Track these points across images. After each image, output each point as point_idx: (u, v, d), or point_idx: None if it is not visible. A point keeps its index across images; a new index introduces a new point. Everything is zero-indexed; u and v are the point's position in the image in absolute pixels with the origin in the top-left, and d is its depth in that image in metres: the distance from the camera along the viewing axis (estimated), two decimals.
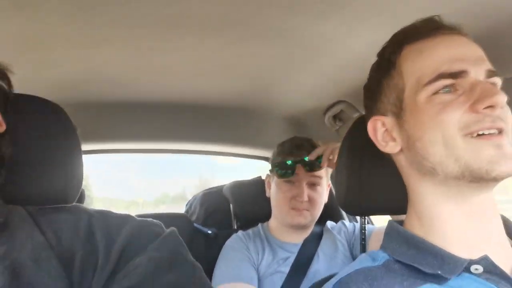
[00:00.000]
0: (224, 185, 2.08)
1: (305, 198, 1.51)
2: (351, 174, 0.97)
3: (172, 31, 1.09)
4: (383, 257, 0.75)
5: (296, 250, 1.57)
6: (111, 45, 1.17)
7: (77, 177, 0.78)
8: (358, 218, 1.98)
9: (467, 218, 0.70)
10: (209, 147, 2.17)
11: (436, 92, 0.68)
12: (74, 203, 0.73)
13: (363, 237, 1.17)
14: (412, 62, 0.72)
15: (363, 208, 1.03)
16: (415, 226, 0.76)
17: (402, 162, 0.77)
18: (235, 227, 1.99)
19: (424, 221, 0.74)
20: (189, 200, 2.18)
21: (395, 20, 0.99)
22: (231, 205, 2.02)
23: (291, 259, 1.56)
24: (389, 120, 0.77)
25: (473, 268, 0.67)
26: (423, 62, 0.71)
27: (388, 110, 0.77)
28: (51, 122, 0.77)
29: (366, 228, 1.44)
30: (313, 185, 1.55)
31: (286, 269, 1.54)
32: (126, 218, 0.67)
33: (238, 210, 1.98)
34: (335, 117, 1.78)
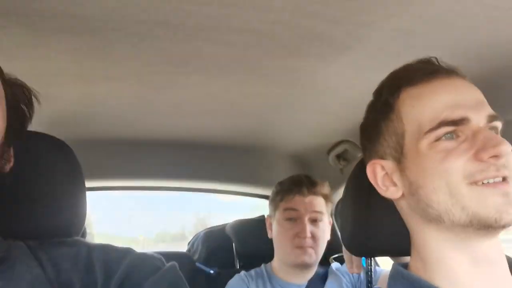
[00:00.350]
0: (227, 223, 2.07)
1: (308, 234, 1.50)
2: (356, 215, 0.96)
3: (179, 70, 1.11)
4: None
5: None
6: (118, 81, 1.19)
7: (81, 214, 0.78)
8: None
9: (474, 264, 0.68)
10: (213, 185, 2.16)
11: (438, 139, 0.68)
12: (74, 238, 0.72)
13: (369, 279, 1.15)
14: (412, 107, 0.71)
15: (368, 249, 1.01)
16: (420, 269, 0.74)
17: (405, 208, 0.75)
18: (238, 267, 1.97)
19: (429, 266, 0.72)
20: (191, 239, 2.16)
21: (400, 60, 1.02)
22: (233, 244, 1.99)
23: None
24: (389, 164, 0.75)
25: None
26: (422, 108, 0.70)
27: (388, 153, 0.75)
28: (57, 160, 0.78)
29: (376, 270, 1.42)
30: (314, 221, 1.54)
31: None
32: (126, 251, 0.66)
33: (241, 249, 1.96)
34: (339, 156, 1.78)
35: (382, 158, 0.76)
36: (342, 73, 1.11)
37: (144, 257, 0.66)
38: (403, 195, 0.74)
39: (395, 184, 0.74)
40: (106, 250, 0.66)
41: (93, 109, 1.42)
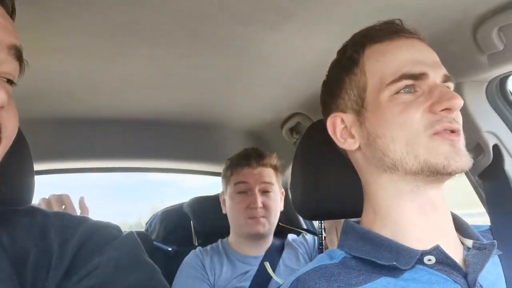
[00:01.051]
0: (184, 202, 2.06)
1: (260, 204, 1.53)
2: (306, 179, 0.99)
3: (125, 41, 1.09)
4: (340, 254, 0.76)
5: (257, 263, 1.57)
6: (62, 55, 1.15)
7: (29, 183, 0.78)
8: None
9: (421, 212, 0.73)
10: (165, 164, 2.14)
11: (397, 92, 0.72)
12: (28, 206, 0.71)
13: (320, 241, 1.18)
14: (376, 62, 0.75)
15: (319, 212, 1.04)
16: (371, 222, 0.78)
17: (360, 159, 0.80)
18: (196, 244, 1.97)
19: (380, 215, 0.76)
20: (149, 219, 2.14)
21: (345, 28, 1.03)
22: (191, 222, 1.99)
23: (252, 272, 1.55)
24: (349, 117, 0.79)
25: (426, 259, 0.69)
26: (386, 62, 0.74)
27: (349, 107, 0.79)
28: None
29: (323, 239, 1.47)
30: (265, 192, 1.57)
31: (246, 283, 1.53)
32: (82, 218, 0.65)
33: (199, 226, 1.96)
34: (292, 130, 1.81)
35: (342, 111, 0.80)
36: (290, 41, 1.12)
37: (101, 224, 0.65)
38: (359, 147, 0.78)
39: (353, 137, 0.79)
40: (62, 216, 0.65)
41: (36, 85, 1.37)
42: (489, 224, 0.87)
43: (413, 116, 0.70)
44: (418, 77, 0.72)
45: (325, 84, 0.87)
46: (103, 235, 0.62)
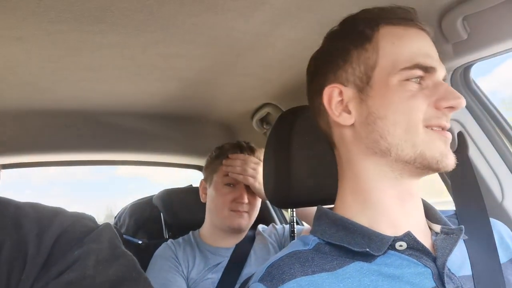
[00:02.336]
0: (153, 195, 2.04)
1: (246, 200, 1.53)
2: (278, 167, 0.99)
3: (92, 28, 1.06)
4: (313, 240, 0.77)
5: (228, 255, 1.57)
6: (26, 42, 1.11)
7: None
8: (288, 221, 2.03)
9: (398, 199, 0.74)
10: (136, 157, 2.11)
11: (407, 79, 0.72)
12: None
13: (292, 229, 1.19)
14: (392, 44, 0.74)
15: (291, 201, 1.05)
16: (346, 206, 0.78)
17: (349, 136, 0.78)
18: (167, 237, 1.96)
19: (357, 198, 0.77)
20: (118, 212, 2.11)
21: (316, 18, 1.04)
22: (161, 215, 1.98)
23: (223, 264, 1.55)
24: (349, 91, 0.77)
25: (397, 245, 0.71)
26: (401, 48, 0.74)
27: (351, 81, 0.76)
28: None
29: (295, 228, 1.48)
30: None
31: (217, 275, 1.53)
32: (58, 209, 0.63)
33: (170, 218, 1.95)
34: (262, 120, 1.82)
35: (342, 84, 0.77)
36: (260, 30, 1.12)
37: (77, 215, 0.63)
38: (353, 124, 0.76)
39: (349, 112, 0.77)
40: (36, 207, 0.63)
41: (0, 74, 1.32)
42: (455, 209, 0.90)
43: (420, 105, 0.71)
44: (428, 70, 0.73)
45: (323, 52, 0.83)
46: (80, 226, 0.60)
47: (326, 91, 0.78)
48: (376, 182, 0.75)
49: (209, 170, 1.63)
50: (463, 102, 0.72)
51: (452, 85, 1.14)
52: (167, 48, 1.21)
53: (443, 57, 1.07)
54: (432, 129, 0.71)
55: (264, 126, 1.82)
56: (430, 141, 0.71)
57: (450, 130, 1.09)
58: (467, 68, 1.13)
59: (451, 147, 1.09)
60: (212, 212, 1.60)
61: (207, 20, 1.05)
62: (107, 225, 0.63)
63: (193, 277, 1.52)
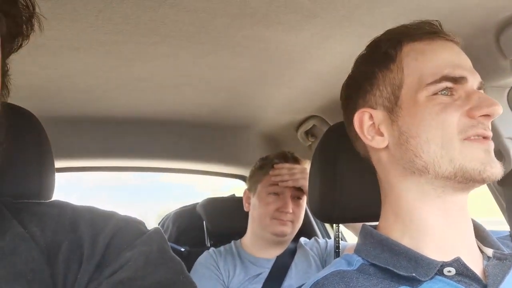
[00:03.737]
0: (197, 203, 2.07)
1: (290, 210, 1.52)
2: (324, 182, 0.98)
3: (146, 40, 1.09)
4: (358, 260, 0.75)
5: (269, 266, 1.57)
6: (83, 52, 1.16)
7: (50, 181, 0.79)
8: (331, 235, 2.00)
9: (444, 219, 0.72)
10: (182, 165, 2.15)
11: (435, 93, 0.70)
12: (55, 200, 0.72)
13: (337, 244, 1.17)
14: (416, 60, 0.73)
15: (336, 216, 1.03)
16: (390, 227, 0.76)
17: (385, 159, 0.77)
18: (209, 245, 1.97)
19: (401, 220, 0.75)
20: (161, 219, 2.15)
21: (365, 31, 1.03)
22: (204, 223, 2.00)
23: (264, 275, 1.55)
24: (379, 114, 0.76)
25: (445, 270, 0.68)
26: (425, 62, 0.72)
27: (379, 103, 0.76)
28: (25, 128, 0.78)
29: (340, 246, 1.46)
30: (297, 199, 1.56)
31: (257, 286, 1.53)
32: (111, 212, 0.66)
33: (212, 227, 1.97)
34: (307, 133, 1.81)
35: (371, 107, 0.77)
36: (309, 43, 1.12)
37: (129, 218, 0.66)
38: (387, 146, 0.75)
39: (381, 134, 0.76)
40: (91, 210, 0.66)
41: (57, 82, 1.38)
42: (509, 230, 0.86)
43: (452, 118, 0.69)
44: (457, 80, 0.71)
45: (352, 78, 0.84)
46: (132, 230, 0.62)
47: (356, 116, 0.78)
48: (418, 202, 0.73)
49: (253, 180, 1.64)
50: (498, 108, 0.68)
51: (509, 102, 1.10)
52: (217, 60, 1.23)
53: (500, 74, 1.03)
54: (469, 140, 0.68)
55: (309, 139, 1.81)
56: (468, 152, 0.68)
57: (505, 149, 1.07)
58: None
59: (507, 165, 1.05)
60: (255, 221, 1.60)
61: (257, 33, 1.06)
62: (157, 229, 0.65)
63: (233, 286, 1.52)
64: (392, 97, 0.74)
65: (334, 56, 1.19)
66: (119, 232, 0.61)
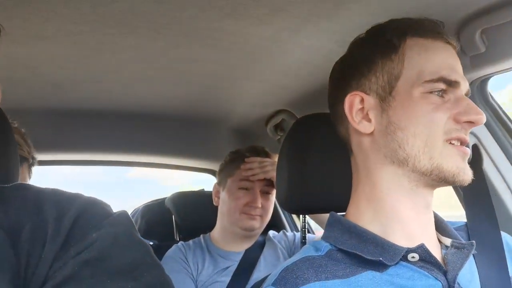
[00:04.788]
0: (166, 197, 2.06)
1: (259, 204, 1.54)
2: (292, 173, 1.00)
3: (114, 30, 1.08)
4: (325, 246, 0.77)
5: (238, 259, 1.58)
6: (50, 42, 1.14)
7: (14, 165, 0.78)
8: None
9: (413, 209, 0.75)
10: (151, 159, 2.13)
11: (430, 92, 0.73)
12: (18, 182, 0.71)
13: (303, 235, 1.19)
14: (418, 55, 0.75)
15: (303, 207, 1.05)
16: (359, 213, 0.79)
17: (367, 144, 0.79)
18: (177, 239, 1.97)
19: (373, 207, 0.77)
20: (130, 213, 2.13)
21: (334, 27, 1.05)
22: (173, 217, 1.99)
23: (232, 268, 1.56)
24: (370, 100, 0.77)
25: (410, 256, 0.71)
26: (427, 59, 0.75)
27: (373, 90, 0.77)
28: None
29: (307, 236, 1.48)
30: (266, 193, 1.58)
31: (226, 278, 1.53)
32: (76, 194, 0.65)
33: (181, 221, 1.96)
34: (277, 127, 1.82)
35: (364, 92, 0.78)
36: (279, 37, 1.13)
37: (95, 200, 0.65)
38: (373, 132, 0.77)
39: (369, 120, 0.78)
40: (56, 192, 0.65)
41: (22, 73, 1.35)
42: (465, 221, 0.90)
43: (440, 118, 0.72)
44: (452, 84, 0.73)
45: (349, 59, 0.84)
46: (99, 211, 0.62)
47: (348, 98, 0.79)
48: (392, 191, 0.76)
49: (223, 174, 1.64)
50: (483, 118, 0.72)
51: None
52: (186, 52, 1.23)
53: None
54: (451, 143, 0.72)
55: (278, 133, 1.83)
56: (448, 155, 0.71)
57: None
58: (484, 81, 1.13)
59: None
60: (224, 215, 1.60)
61: (226, 26, 1.07)
62: (124, 212, 0.65)
63: (202, 280, 1.53)
64: (387, 86, 0.76)
65: (303, 50, 1.21)
66: (85, 212, 0.60)
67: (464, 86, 0.75)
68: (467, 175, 0.72)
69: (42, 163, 1.97)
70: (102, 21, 1.04)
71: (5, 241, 0.55)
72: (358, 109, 0.78)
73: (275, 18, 1.03)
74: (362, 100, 0.78)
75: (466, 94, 0.76)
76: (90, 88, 1.52)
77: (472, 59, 1.04)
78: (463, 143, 0.73)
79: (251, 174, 1.55)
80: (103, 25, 1.05)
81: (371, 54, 0.79)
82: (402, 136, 0.73)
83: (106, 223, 0.60)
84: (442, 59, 0.75)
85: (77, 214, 0.59)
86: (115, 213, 0.63)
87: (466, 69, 1.06)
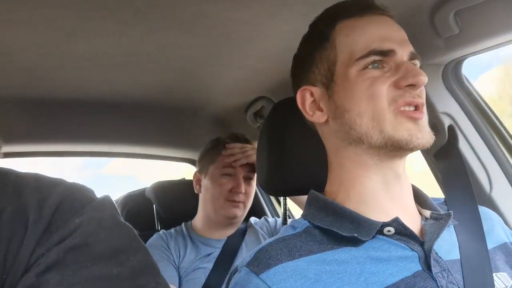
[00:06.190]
0: (146, 187, 2.04)
1: (243, 190, 1.55)
2: (272, 155, 1.01)
3: (91, 15, 1.07)
4: (303, 224, 0.79)
5: (220, 246, 1.59)
6: (24, 26, 1.11)
7: None
8: (280, 214, 2.04)
9: (383, 184, 0.76)
10: (130, 149, 2.11)
11: (365, 67, 0.74)
12: None
13: (285, 217, 1.21)
14: (346, 37, 0.77)
15: (284, 188, 1.06)
16: (335, 192, 0.80)
17: (327, 132, 0.82)
18: (159, 228, 1.96)
19: (344, 187, 0.79)
20: None
21: (310, 10, 1.05)
22: (154, 207, 1.98)
23: (215, 255, 1.57)
24: (318, 91, 0.81)
25: (385, 230, 0.73)
26: (355, 38, 0.76)
27: (318, 80, 0.80)
28: None
29: (288, 221, 1.50)
30: (248, 179, 1.59)
31: (209, 265, 1.55)
32: (58, 179, 0.64)
33: (162, 211, 1.95)
34: (256, 114, 1.83)
35: (312, 85, 0.82)
36: (258, 22, 1.13)
37: (77, 185, 0.64)
38: (327, 120, 0.80)
39: (321, 110, 0.81)
40: (37, 176, 0.64)
41: None
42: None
43: (380, 90, 0.73)
44: (386, 53, 0.74)
45: (296, 57, 0.88)
46: (82, 196, 0.61)
47: (298, 94, 0.83)
48: (358, 170, 0.77)
49: (205, 161, 1.64)
50: (423, 78, 0.73)
51: (443, 79, 1.17)
52: (164, 37, 1.22)
53: (435, 52, 1.09)
54: (400, 111, 0.73)
55: (258, 120, 1.84)
56: (397, 123, 0.72)
57: (441, 123, 1.13)
58: (458, 63, 1.15)
59: (442, 139, 1.12)
60: (208, 202, 1.61)
61: (204, 10, 1.07)
62: (107, 197, 0.64)
63: (184, 266, 1.53)
64: (328, 74, 0.79)
65: (281, 36, 1.21)
66: (68, 197, 0.59)
67: (403, 51, 0.76)
68: (422, 139, 0.72)
69: (15, 155, 1.93)
70: (78, 5, 1.02)
71: None
72: (311, 102, 0.82)
73: (253, 2, 1.03)
74: (311, 93, 0.81)
75: (412, 58, 0.77)
76: (65, 75, 1.49)
77: (446, 41, 1.06)
78: (416, 107, 0.73)
79: (233, 159, 1.56)
80: (79, 9, 1.03)
81: (309, 48, 0.83)
82: (349, 118, 0.75)
83: (89, 208, 0.59)
84: (371, 32, 0.76)
85: (59, 199, 0.58)
86: (98, 198, 0.63)
87: (440, 51, 1.09)
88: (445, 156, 1.10)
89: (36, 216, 0.56)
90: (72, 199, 0.60)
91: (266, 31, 1.19)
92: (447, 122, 1.15)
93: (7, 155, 1.90)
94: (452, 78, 1.17)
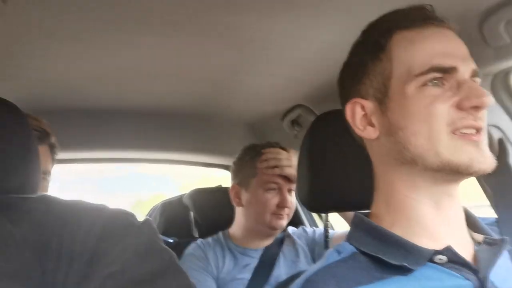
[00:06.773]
0: (184, 194, 2.06)
1: (290, 205, 1.55)
2: (313, 171, 0.99)
3: (131, 29, 1.08)
4: (349, 249, 0.75)
5: (257, 256, 1.57)
6: (67, 41, 1.15)
7: (34, 174, 0.77)
8: (318, 224, 2.02)
9: (435, 208, 0.72)
10: (167, 156, 2.14)
11: (425, 84, 0.69)
12: (40, 194, 0.71)
13: (326, 234, 1.18)
14: (405, 50, 0.72)
15: (326, 205, 1.04)
16: (381, 215, 0.76)
17: (377, 149, 0.77)
18: (196, 236, 1.97)
19: (392, 209, 0.74)
20: (149, 211, 2.14)
21: (350, 18, 1.03)
22: (191, 214, 2.00)
23: (252, 265, 1.55)
24: (370, 105, 0.75)
25: (437, 258, 0.68)
26: (415, 52, 0.71)
27: (370, 94, 0.75)
28: (7, 120, 0.76)
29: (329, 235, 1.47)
30: (290, 191, 1.57)
31: (246, 275, 1.53)
32: (100, 206, 0.66)
33: (199, 218, 1.97)
34: (293, 122, 1.81)
35: (363, 97, 0.76)
36: (293, 31, 1.12)
37: (119, 211, 0.66)
38: (379, 136, 0.75)
39: (373, 125, 0.75)
40: (80, 205, 0.65)
41: (40, 72, 1.36)
42: (495, 217, 0.87)
43: (440, 110, 0.68)
44: (447, 70, 0.69)
45: (347, 65, 0.82)
46: (122, 223, 0.62)
47: (348, 107, 0.77)
48: (409, 192, 0.73)
49: (245, 174, 1.61)
50: (488, 100, 0.67)
51: (492, 90, 1.12)
52: (200, 49, 1.23)
53: (483, 61, 1.05)
54: (459, 133, 0.67)
55: (295, 128, 1.82)
56: (455, 147, 0.67)
57: (490, 136, 1.08)
58: (508, 73, 1.10)
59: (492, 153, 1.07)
60: (251, 216, 1.58)
61: (240, 21, 1.06)
62: (147, 220, 0.65)
63: (223, 277, 1.53)
64: (382, 88, 0.73)
65: (318, 44, 1.19)
66: (109, 226, 0.60)
67: (466, 68, 0.70)
68: (484, 164, 0.67)
69: (67, 161, 2.00)
70: (119, 21, 1.04)
71: (31, 257, 0.55)
72: (362, 116, 0.76)
73: (289, 10, 1.02)
74: (363, 107, 0.76)
75: (474, 75, 0.71)
76: (105, 87, 1.52)
77: (495, 51, 1.01)
78: (477, 130, 0.68)
79: (265, 166, 1.54)
80: (119, 24, 1.06)
81: (362, 57, 0.77)
82: (403, 136, 0.70)
83: (130, 234, 0.60)
84: (432, 47, 0.71)
85: (102, 228, 0.59)
86: (138, 222, 0.63)
87: (489, 61, 1.04)
88: (495, 172, 1.05)
89: (82, 247, 0.57)
90: (114, 226, 0.61)
91: (302, 40, 1.17)
92: (496, 135, 1.09)
93: (60, 161, 1.97)
94: (502, 88, 1.11)
